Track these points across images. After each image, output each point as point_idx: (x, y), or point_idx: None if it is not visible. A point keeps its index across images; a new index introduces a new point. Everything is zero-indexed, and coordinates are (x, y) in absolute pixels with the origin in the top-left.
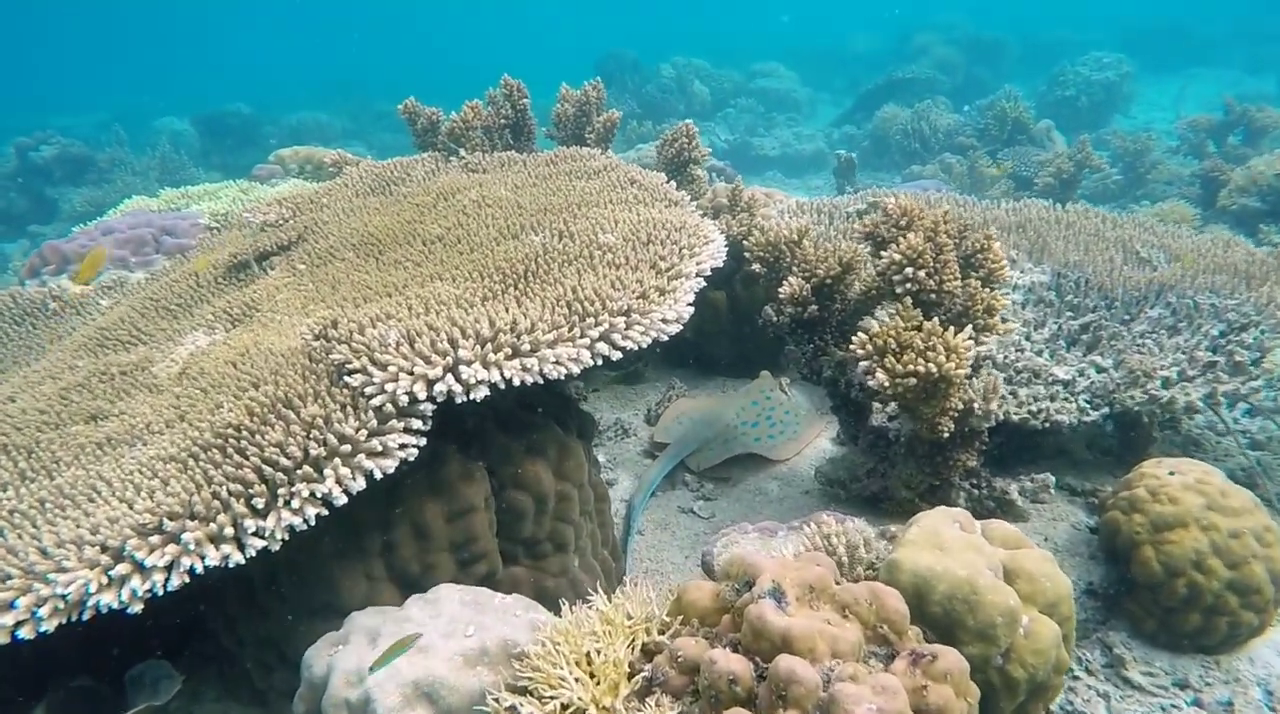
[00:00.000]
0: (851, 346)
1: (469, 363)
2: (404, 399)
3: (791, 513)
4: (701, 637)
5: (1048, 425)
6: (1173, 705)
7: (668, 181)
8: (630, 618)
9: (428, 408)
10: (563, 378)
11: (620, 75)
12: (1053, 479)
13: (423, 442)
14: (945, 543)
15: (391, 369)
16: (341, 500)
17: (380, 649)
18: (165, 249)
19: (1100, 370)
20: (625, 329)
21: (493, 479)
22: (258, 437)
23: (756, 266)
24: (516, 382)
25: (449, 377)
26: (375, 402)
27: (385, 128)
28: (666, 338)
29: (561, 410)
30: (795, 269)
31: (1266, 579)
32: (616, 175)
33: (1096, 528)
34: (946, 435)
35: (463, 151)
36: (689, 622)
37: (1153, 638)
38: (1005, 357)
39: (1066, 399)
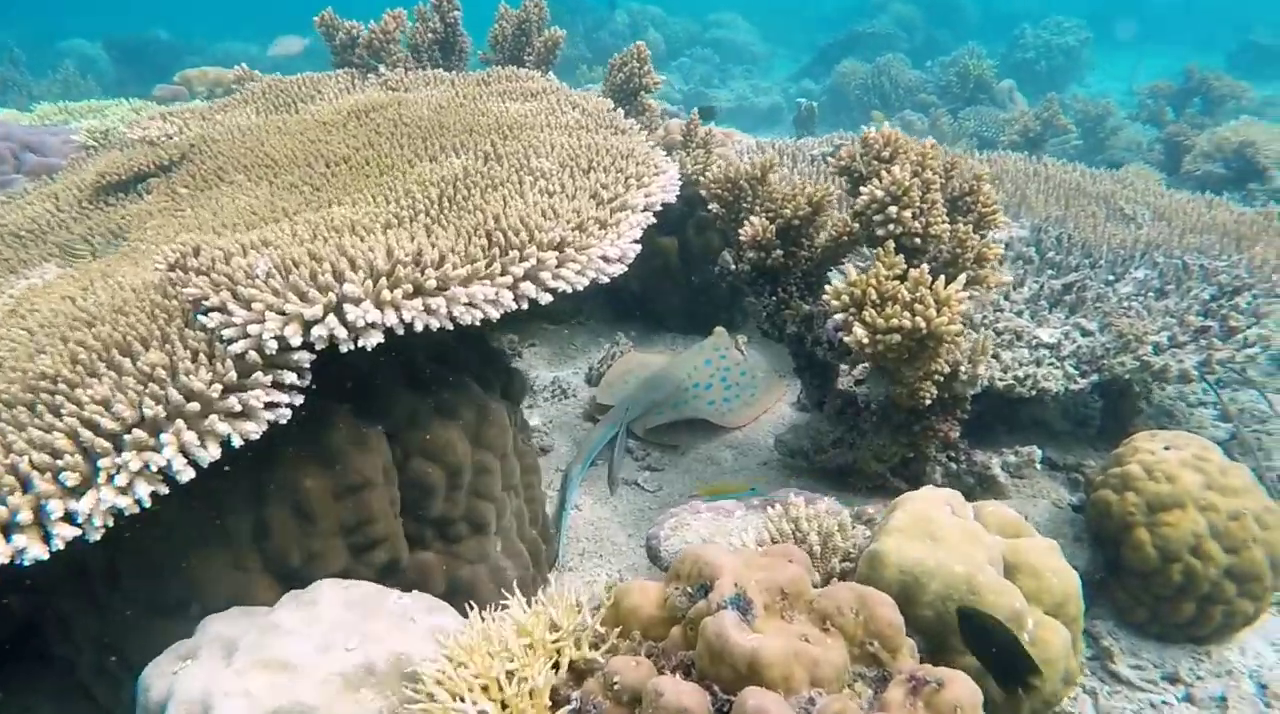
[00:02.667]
0: (824, 297)
1: (357, 301)
2: (272, 345)
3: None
4: (644, 655)
5: (1034, 393)
6: (1164, 702)
7: (615, 109)
8: (556, 629)
9: (304, 357)
10: (477, 323)
11: (570, 18)
12: (1039, 452)
13: (299, 400)
14: (937, 531)
15: (257, 307)
16: (187, 474)
17: (236, 666)
18: (28, 168)
19: (1086, 333)
20: (557, 267)
21: (395, 446)
22: (78, 391)
23: (713, 206)
24: (419, 326)
25: (331, 318)
26: (236, 348)
27: (325, 66)
28: (607, 279)
29: (482, 365)
30: (758, 209)
31: (1266, 565)
32: (557, 98)
33: (1081, 506)
34: (928, 402)
35: (382, 68)
36: (629, 634)
37: (1141, 628)
38: (983, 317)
39: (1052, 365)
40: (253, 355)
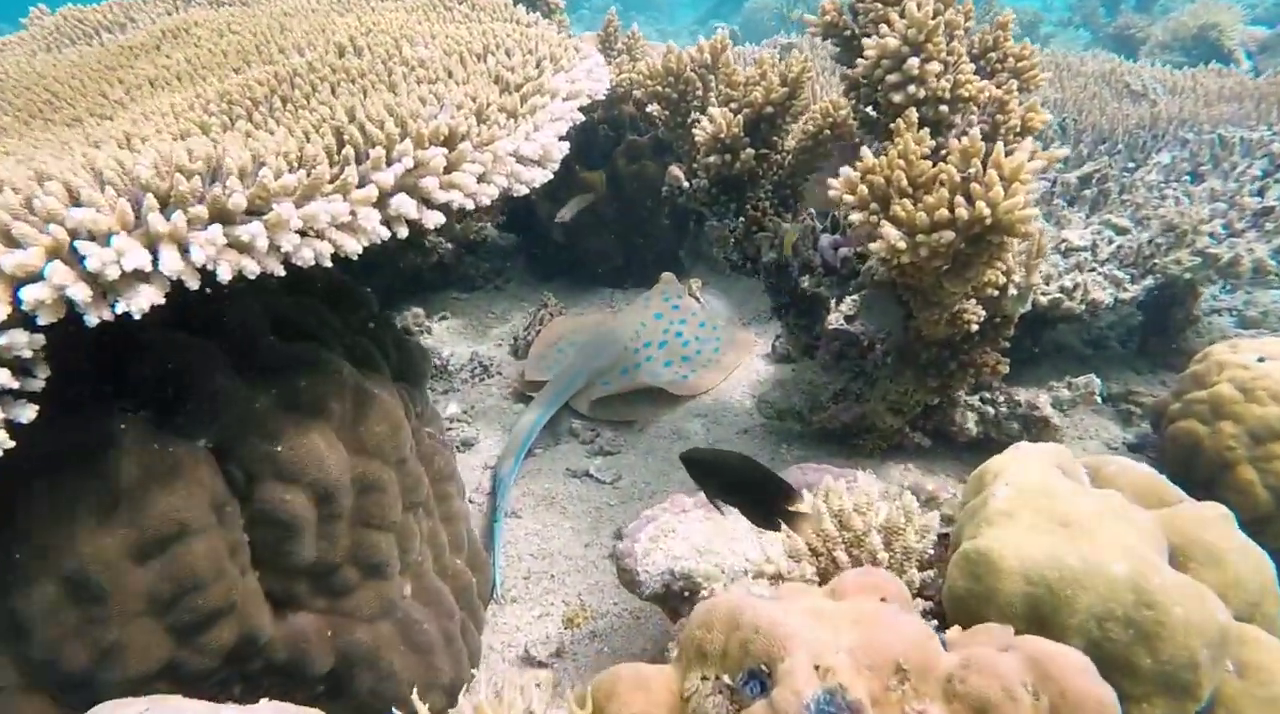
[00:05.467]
0: (831, 192)
1: (105, 235)
2: None
3: None
4: None
5: (1085, 306)
6: None
7: (515, 4)
8: None
9: (21, 341)
10: (325, 262)
11: None
12: (1099, 383)
13: (26, 413)
14: (1068, 510)
15: None
16: None
17: None
18: None
19: (1121, 231)
20: (446, 171)
21: (232, 467)
22: None
23: (653, 107)
24: (225, 273)
25: (59, 268)
26: None
27: None
28: (525, 189)
29: (357, 334)
30: (715, 100)
31: None
32: None
33: (1141, 444)
34: (975, 327)
35: None
36: None
37: None
38: None
39: (1093, 270)
40: None
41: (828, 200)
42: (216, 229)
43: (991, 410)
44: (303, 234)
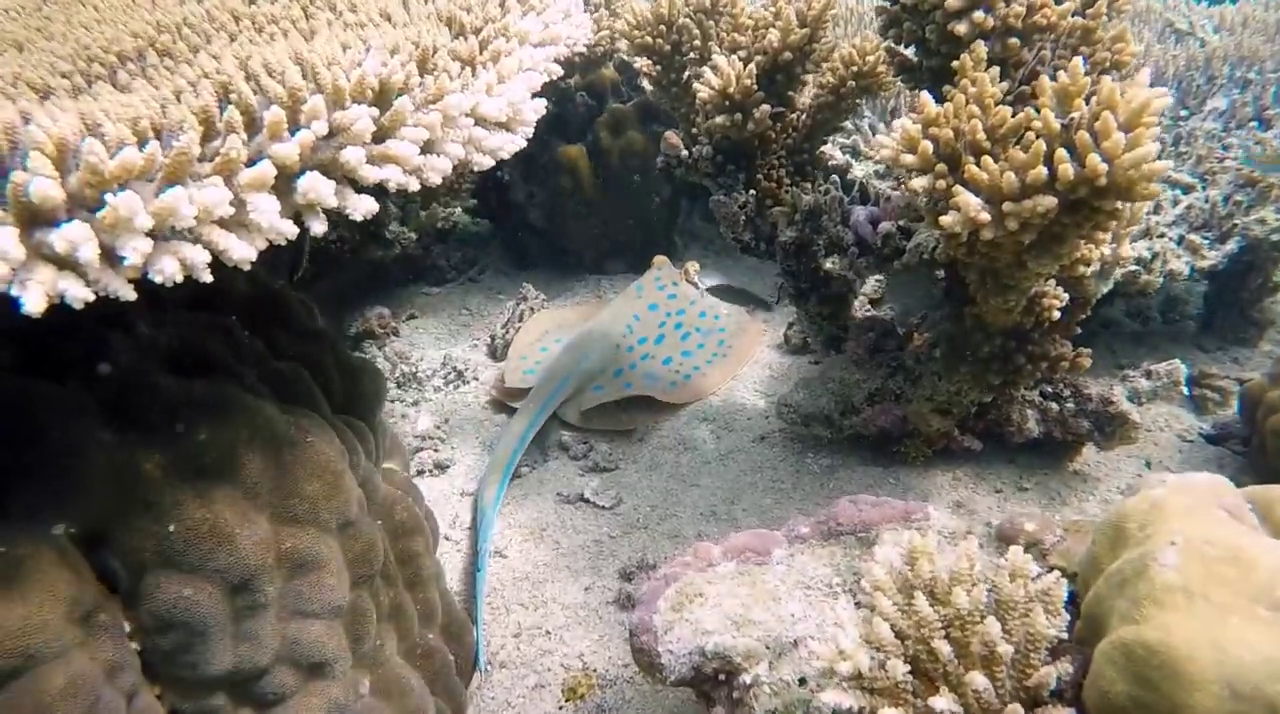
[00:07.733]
0: (879, 152)
1: None
2: None
3: (748, 482)
4: None
5: (1164, 278)
6: None
7: None
8: None
9: None
10: (198, 276)
11: None
12: (1184, 368)
13: None
14: (1272, 582)
15: None
16: None
17: None
18: None
19: (1185, 189)
20: (377, 138)
21: (108, 558)
22: None
23: (641, 61)
24: (33, 304)
25: None
26: None
27: None
28: (490, 162)
29: (286, 359)
30: (718, 50)
31: None
32: None
33: (1220, 436)
34: (1057, 315)
35: None
36: None
37: None
38: None
39: (1161, 235)
40: None
41: None
42: (8, 236)
43: (1055, 406)
44: (147, 241)
